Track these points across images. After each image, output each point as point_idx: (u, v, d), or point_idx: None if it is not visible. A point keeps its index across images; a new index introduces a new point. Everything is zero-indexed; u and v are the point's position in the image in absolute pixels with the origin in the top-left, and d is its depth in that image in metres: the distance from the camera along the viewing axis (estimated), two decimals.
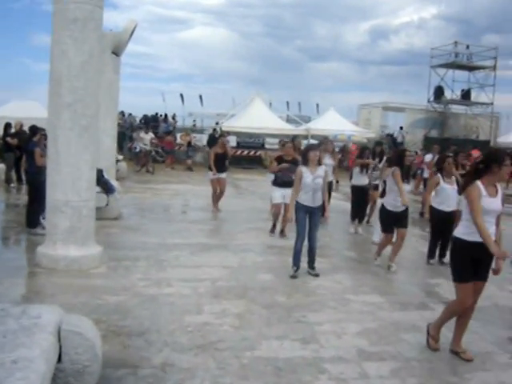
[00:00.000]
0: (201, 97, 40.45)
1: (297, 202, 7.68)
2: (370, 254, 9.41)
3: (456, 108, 33.43)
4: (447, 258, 8.82)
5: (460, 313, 5.21)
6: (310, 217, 7.72)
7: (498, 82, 31.64)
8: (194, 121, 39.03)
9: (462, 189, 5.29)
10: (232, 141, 25.98)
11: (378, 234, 10.13)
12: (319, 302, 6.52)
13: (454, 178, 8.88)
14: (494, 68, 31.23)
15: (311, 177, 7.57)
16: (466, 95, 32.17)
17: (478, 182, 4.95)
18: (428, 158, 14.90)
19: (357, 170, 11.30)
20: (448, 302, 5.38)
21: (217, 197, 12.93)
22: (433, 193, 8.93)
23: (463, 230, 5.01)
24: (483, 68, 31.86)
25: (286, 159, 10.26)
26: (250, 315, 5.92)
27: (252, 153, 27.94)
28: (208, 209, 13.00)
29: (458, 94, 32.11)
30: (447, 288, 7.43)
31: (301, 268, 7.74)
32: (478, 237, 4.91)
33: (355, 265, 8.62)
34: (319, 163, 7.76)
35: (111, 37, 13.17)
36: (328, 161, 11.67)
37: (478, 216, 4.90)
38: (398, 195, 8.15)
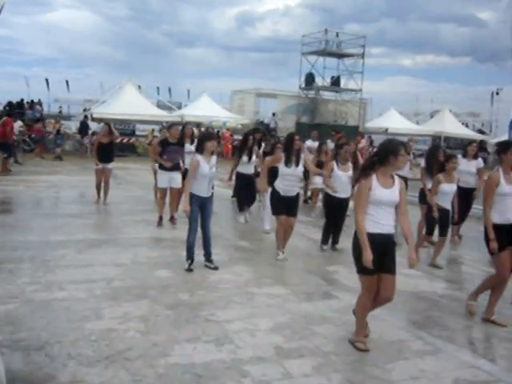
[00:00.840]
0: (67, 82, 39.02)
1: (192, 194, 7.36)
2: (263, 243, 9.35)
3: (326, 94, 34.36)
4: (339, 245, 9.00)
5: (369, 305, 5.16)
6: (203, 207, 7.44)
7: (365, 69, 32.90)
8: (61, 107, 37.37)
9: (355, 181, 5.24)
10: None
11: (267, 223, 10.06)
12: (224, 298, 6.26)
13: (349, 164, 8.98)
14: (363, 56, 32.36)
15: (207, 166, 7.29)
16: (335, 82, 33.10)
17: (372, 175, 4.91)
18: (308, 143, 14.92)
19: (244, 159, 11.08)
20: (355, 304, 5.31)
21: (104, 190, 12.23)
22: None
23: (367, 223, 4.95)
24: (352, 55, 32.92)
25: (171, 142, 9.97)
26: (155, 317, 5.53)
27: (125, 140, 27.00)
28: (88, 201, 12.29)
29: (328, 81, 32.97)
30: (345, 275, 7.54)
31: (197, 261, 7.46)
32: (379, 228, 4.88)
33: (251, 255, 8.44)
34: (212, 152, 7.49)
35: None
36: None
37: (360, 213, 4.90)
38: (286, 179, 8.10)
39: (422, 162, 10.03)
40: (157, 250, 8.36)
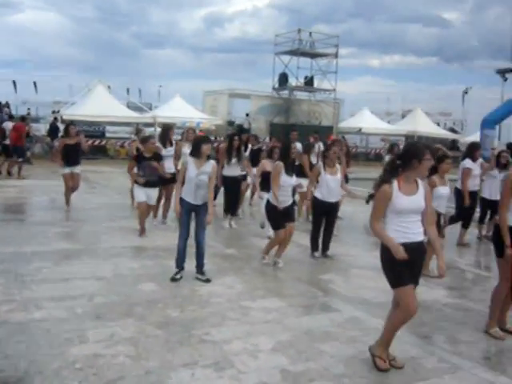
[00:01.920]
0: (35, 84, 38.00)
1: (180, 197, 6.92)
2: (251, 250, 8.90)
3: (300, 94, 33.94)
4: (331, 251, 8.59)
5: (407, 321, 4.72)
6: (195, 215, 6.98)
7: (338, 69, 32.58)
8: (29, 109, 36.28)
9: (375, 188, 4.79)
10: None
11: (270, 227, 9.60)
12: (218, 314, 5.77)
13: (337, 167, 8.56)
14: (336, 55, 31.99)
15: (195, 172, 6.79)
16: (309, 82, 32.67)
17: (393, 182, 4.49)
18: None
19: (233, 160, 10.57)
20: (388, 315, 4.86)
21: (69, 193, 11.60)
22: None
23: (391, 234, 4.53)
24: (325, 55, 32.55)
25: (146, 156, 9.32)
26: (145, 339, 5.02)
27: (97, 142, 26.31)
28: (61, 207, 11.64)
29: (301, 81, 32.55)
30: (342, 284, 7.18)
31: (185, 272, 6.99)
32: (406, 237, 4.47)
33: (240, 264, 7.96)
34: (208, 157, 6.98)
35: None
36: (188, 150, 10.90)
37: (374, 220, 4.54)
38: (285, 189, 7.74)
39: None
40: (139, 261, 7.81)
